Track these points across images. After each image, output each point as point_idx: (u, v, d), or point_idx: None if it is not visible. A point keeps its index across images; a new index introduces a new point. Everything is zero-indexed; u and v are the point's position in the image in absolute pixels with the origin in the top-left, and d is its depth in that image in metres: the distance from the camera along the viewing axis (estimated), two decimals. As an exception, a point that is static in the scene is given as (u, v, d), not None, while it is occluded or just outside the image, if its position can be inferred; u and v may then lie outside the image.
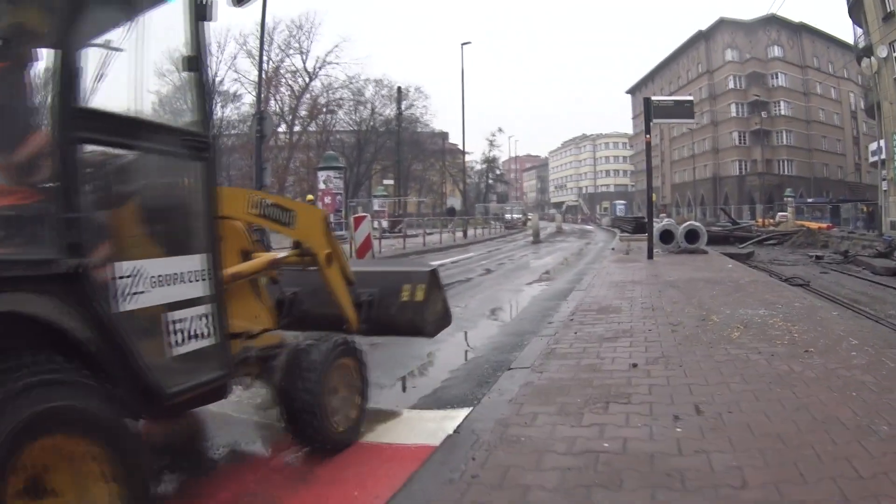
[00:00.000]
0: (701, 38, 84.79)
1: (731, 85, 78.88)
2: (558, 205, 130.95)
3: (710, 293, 11.45)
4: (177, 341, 3.49)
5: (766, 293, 11.31)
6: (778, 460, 3.94)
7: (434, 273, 6.17)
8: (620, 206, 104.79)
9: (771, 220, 51.40)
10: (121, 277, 3.13)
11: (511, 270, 20.19)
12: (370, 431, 5.15)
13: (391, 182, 60.77)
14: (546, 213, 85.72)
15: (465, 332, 9.28)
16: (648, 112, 19.72)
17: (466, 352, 8.44)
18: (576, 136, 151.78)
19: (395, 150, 56.76)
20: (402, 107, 59.47)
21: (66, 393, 2.67)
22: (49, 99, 3.00)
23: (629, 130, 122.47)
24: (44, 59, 3.14)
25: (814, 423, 4.59)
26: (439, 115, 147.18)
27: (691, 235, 22.22)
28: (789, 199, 60.53)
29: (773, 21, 75.41)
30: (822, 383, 5.61)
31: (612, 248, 26.74)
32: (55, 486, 2.64)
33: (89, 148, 3.11)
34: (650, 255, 19.93)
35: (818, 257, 23.99)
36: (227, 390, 4.20)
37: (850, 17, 45.18)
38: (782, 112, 77.56)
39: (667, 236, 22.46)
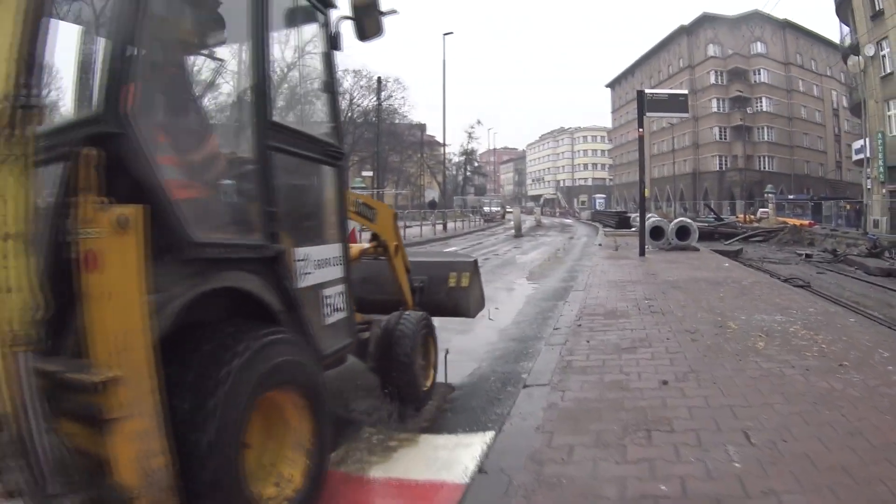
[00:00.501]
0: (683, 32, 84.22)
1: (713, 80, 78.38)
2: (536, 198, 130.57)
3: (717, 295, 10.94)
4: (327, 313, 4.44)
5: (775, 296, 10.81)
6: (853, 500, 3.50)
7: (475, 263, 7.37)
8: (600, 199, 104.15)
9: (752, 216, 51.24)
10: (298, 261, 4.01)
11: (498, 266, 19.49)
12: (373, 461, 4.56)
13: (369, 174, 59.86)
14: (525, 207, 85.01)
15: (462, 338, 8.58)
16: (642, 105, 19.15)
17: (467, 361, 7.70)
18: (554, 129, 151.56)
19: (374, 142, 55.82)
20: (381, 97, 58.62)
21: (290, 350, 3.47)
22: (251, 114, 3.72)
23: (608, 124, 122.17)
24: (246, 79, 3.85)
25: (874, 452, 4.16)
26: (418, 107, 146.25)
27: (682, 232, 21.78)
28: (770, 195, 60.49)
29: (756, 17, 75.02)
30: (868, 403, 5.19)
31: (599, 244, 26.08)
32: (270, 427, 3.44)
33: (277, 155, 3.80)
34: (642, 253, 19.43)
35: (808, 256, 23.60)
36: (346, 358, 5.00)
37: (837, 15, 44.86)
38: (764, 108, 77.26)
39: (656, 232, 22.00)
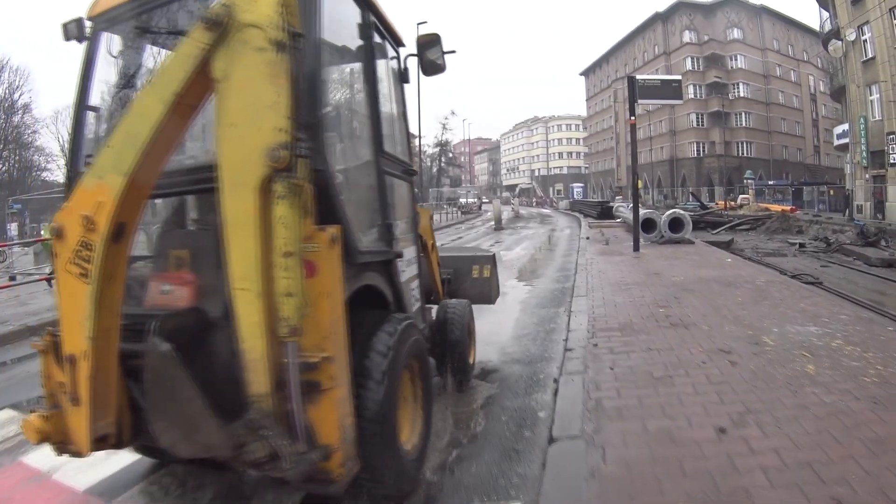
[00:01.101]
0: (658, 19, 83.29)
1: (689, 66, 76.99)
2: (511, 188, 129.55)
3: (735, 300, 9.97)
4: (412, 302, 5.32)
5: (797, 300, 9.86)
6: None
7: (494, 256, 8.31)
8: (578, 188, 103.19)
9: (732, 203, 50.62)
10: (399, 260, 4.91)
11: (484, 265, 18.29)
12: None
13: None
14: (502, 197, 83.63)
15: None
16: (633, 92, 18.14)
17: (468, 393, 6.66)
18: (528, 118, 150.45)
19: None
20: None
21: (416, 331, 4.56)
22: (372, 145, 4.64)
23: (583, 112, 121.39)
24: (367, 116, 4.66)
25: None
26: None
27: (675, 224, 20.81)
28: (749, 181, 60.08)
29: (732, 3, 74.76)
30: (963, 446, 4.29)
31: (587, 238, 24.91)
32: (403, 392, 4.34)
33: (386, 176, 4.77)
34: (636, 248, 18.49)
35: (801, 245, 22.84)
36: None
37: (817, 0, 44.46)
38: (741, 94, 76.55)
39: (648, 225, 20.98)
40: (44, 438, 3.36)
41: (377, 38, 4.93)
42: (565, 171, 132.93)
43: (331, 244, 3.29)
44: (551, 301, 12.01)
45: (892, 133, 33.52)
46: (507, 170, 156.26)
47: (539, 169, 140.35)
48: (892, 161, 33.64)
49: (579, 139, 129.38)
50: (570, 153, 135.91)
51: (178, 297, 3.77)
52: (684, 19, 78.88)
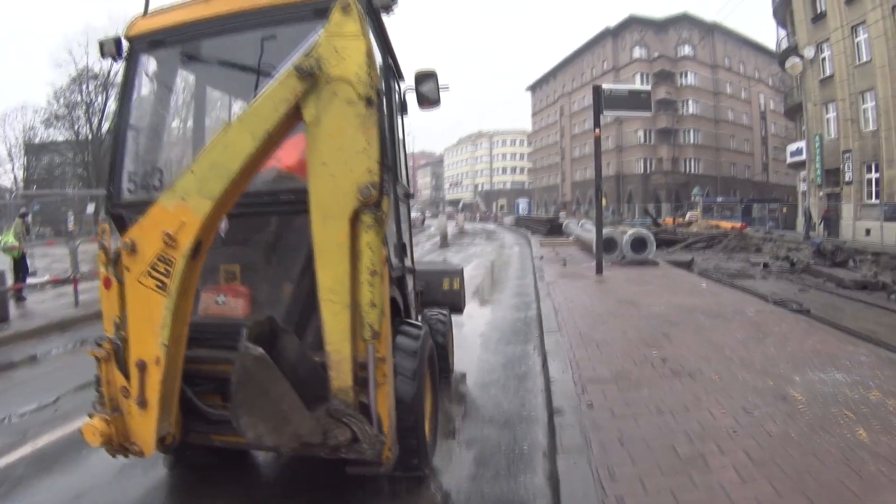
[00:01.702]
0: (608, 35, 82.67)
1: (639, 82, 75.68)
2: (454, 202, 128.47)
3: (732, 337, 8.77)
4: (411, 310, 6.16)
5: (803, 337, 8.71)
6: None
7: (462, 270, 9.43)
8: (523, 203, 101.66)
9: (682, 219, 50.01)
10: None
11: (438, 286, 16.80)
12: None
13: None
14: (447, 212, 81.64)
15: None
16: (598, 102, 16.97)
17: (435, 485, 5.09)
18: (472, 132, 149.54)
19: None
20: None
21: (430, 336, 5.24)
22: (393, 174, 4.97)
23: (528, 127, 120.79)
24: (391, 148, 5.08)
25: None
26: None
27: (638, 244, 19.72)
28: (697, 197, 59.84)
29: (684, 20, 74.76)
30: None
31: (541, 257, 23.61)
32: None
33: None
34: (599, 269, 17.31)
35: (765, 265, 21.88)
36: None
37: (775, 17, 44.47)
38: (690, 111, 76.47)
39: (608, 244, 19.81)
40: (106, 441, 3.51)
41: (391, 78, 5.58)
42: (509, 186, 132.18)
43: (384, 264, 3.53)
44: (515, 335, 10.71)
45: (848, 151, 33.45)
46: (451, 184, 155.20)
47: (483, 184, 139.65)
48: (847, 179, 33.46)
49: (524, 154, 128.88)
50: (514, 168, 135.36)
51: (233, 308, 4.32)
52: (635, 35, 78.59)
